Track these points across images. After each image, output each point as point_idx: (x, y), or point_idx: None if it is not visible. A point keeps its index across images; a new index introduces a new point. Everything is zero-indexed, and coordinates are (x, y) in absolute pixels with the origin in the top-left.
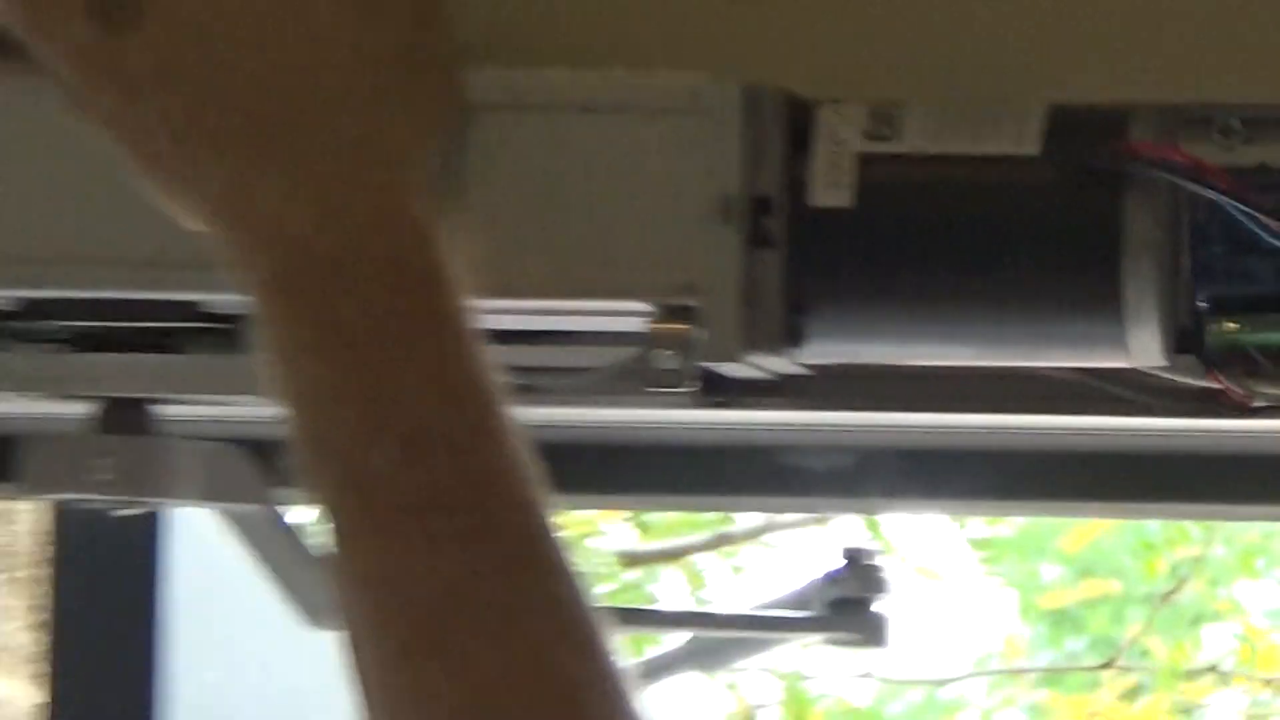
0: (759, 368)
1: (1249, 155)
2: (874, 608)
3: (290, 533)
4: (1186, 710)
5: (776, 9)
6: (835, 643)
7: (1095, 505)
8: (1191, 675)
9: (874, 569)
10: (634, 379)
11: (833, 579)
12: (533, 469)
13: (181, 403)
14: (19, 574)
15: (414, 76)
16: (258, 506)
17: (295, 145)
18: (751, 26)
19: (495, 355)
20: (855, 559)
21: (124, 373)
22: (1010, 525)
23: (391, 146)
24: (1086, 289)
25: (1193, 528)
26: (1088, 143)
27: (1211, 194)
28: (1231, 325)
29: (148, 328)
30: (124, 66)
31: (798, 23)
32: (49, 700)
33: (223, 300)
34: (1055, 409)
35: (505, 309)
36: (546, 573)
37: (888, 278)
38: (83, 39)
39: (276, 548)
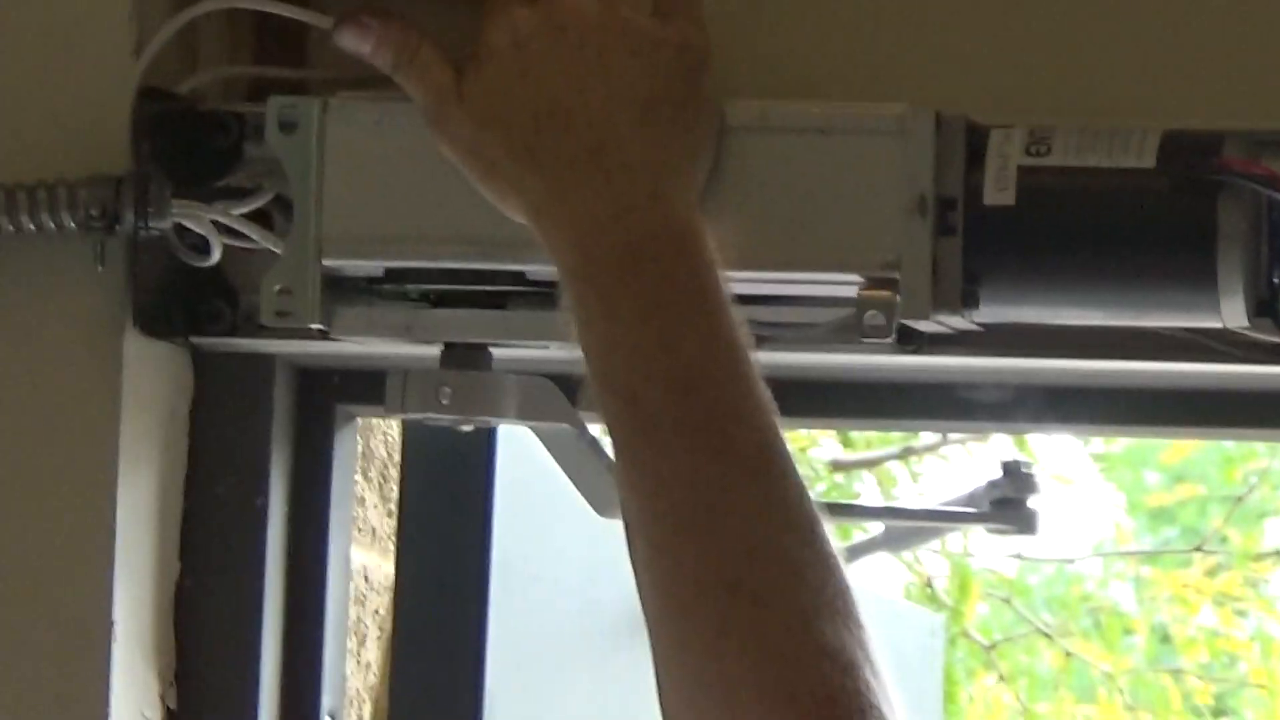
0: (942, 324)
1: None
2: (1026, 505)
3: (586, 445)
4: (1255, 584)
5: (961, 59)
6: (995, 531)
7: (1190, 430)
8: (1259, 558)
9: (1025, 476)
10: (850, 331)
11: (993, 483)
12: (768, 399)
13: (507, 346)
14: (377, 474)
15: (687, 110)
16: (562, 425)
17: (599, 164)
18: (942, 70)
19: (745, 314)
20: (1010, 468)
21: (463, 324)
22: (1121, 444)
23: (670, 163)
24: (1190, 268)
25: (1261, 447)
26: (1191, 158)
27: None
28: None
29: (482, 290)
30: (470, 101)
31: (975, 66)
32: (397, 571)
33: (539, 270)
34: (1164, 357)
35: (755, 279)
36: (777, 478)
37: (1040, 259)
38: (440, 81)
39: (576, 457)
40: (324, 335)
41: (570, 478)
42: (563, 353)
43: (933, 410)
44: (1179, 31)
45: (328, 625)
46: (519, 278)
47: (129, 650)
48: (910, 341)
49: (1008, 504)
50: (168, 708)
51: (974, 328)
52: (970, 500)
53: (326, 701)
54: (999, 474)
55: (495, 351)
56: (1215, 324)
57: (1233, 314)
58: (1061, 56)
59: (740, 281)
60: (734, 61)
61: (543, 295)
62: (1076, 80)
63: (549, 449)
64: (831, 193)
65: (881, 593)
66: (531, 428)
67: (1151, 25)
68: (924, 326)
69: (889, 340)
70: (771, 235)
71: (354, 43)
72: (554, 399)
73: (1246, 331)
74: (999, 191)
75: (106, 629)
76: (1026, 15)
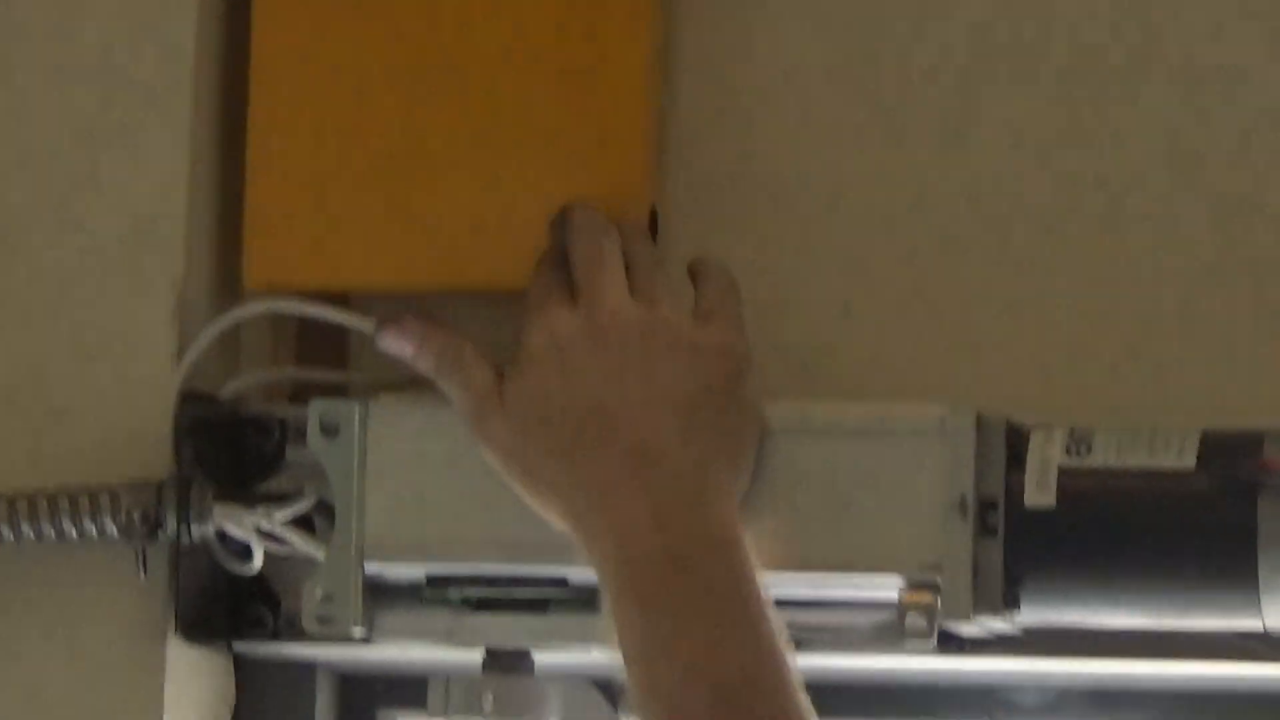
0: (984, 626)
1: None
2: None
3: None
4: None
5: (999, 358)
6: None
7: None
8: None
9: None
10: (892, 634)
11: None
12: (810, 709)
13: (549, 650)
14: None
15: (728, 414)
16: None
17: (640, 469)
18: (983, 373)
19: (786, 617)
20: None
21: (505, 629)
22: None
23: (711, 468)
24: (1231, 570)
25: None
26: (1232, 459)
27: None
28: None
29: (524, 595)
30: (510, 405)
31: (1015, 370)
32: None
33: (581, 574)
34: (1208, 657)
35: (795, 580)
36: None
37: (1081, 561)
38: (481, 384)
39: None
40: (365, 641)
41: None
42: (606, 657)
43: (974, 712)
44: (1219, 329)
45: None
46: (561, 582)
47: None
48: (952, 644)
49: None
50: None
51: (1015, 631)
52: None
53: None
54: None
55: (537, 655)
56: (1257, 625)
57: (1274, 615)
58: (1101, 355)
59: (781, 584)
60: (769, 359)
61: (585, 599)
62: (1116, 379)
63: None
64: (872, 494)
65: None
66: None
67: (1191, 323)
68: (965, 629)
69: (931, 643)
70: (812, 536)
71: (395, 346)
72: (597, 703)
73: None
74: (1040, 493)
75: None
76: (1067, 313)
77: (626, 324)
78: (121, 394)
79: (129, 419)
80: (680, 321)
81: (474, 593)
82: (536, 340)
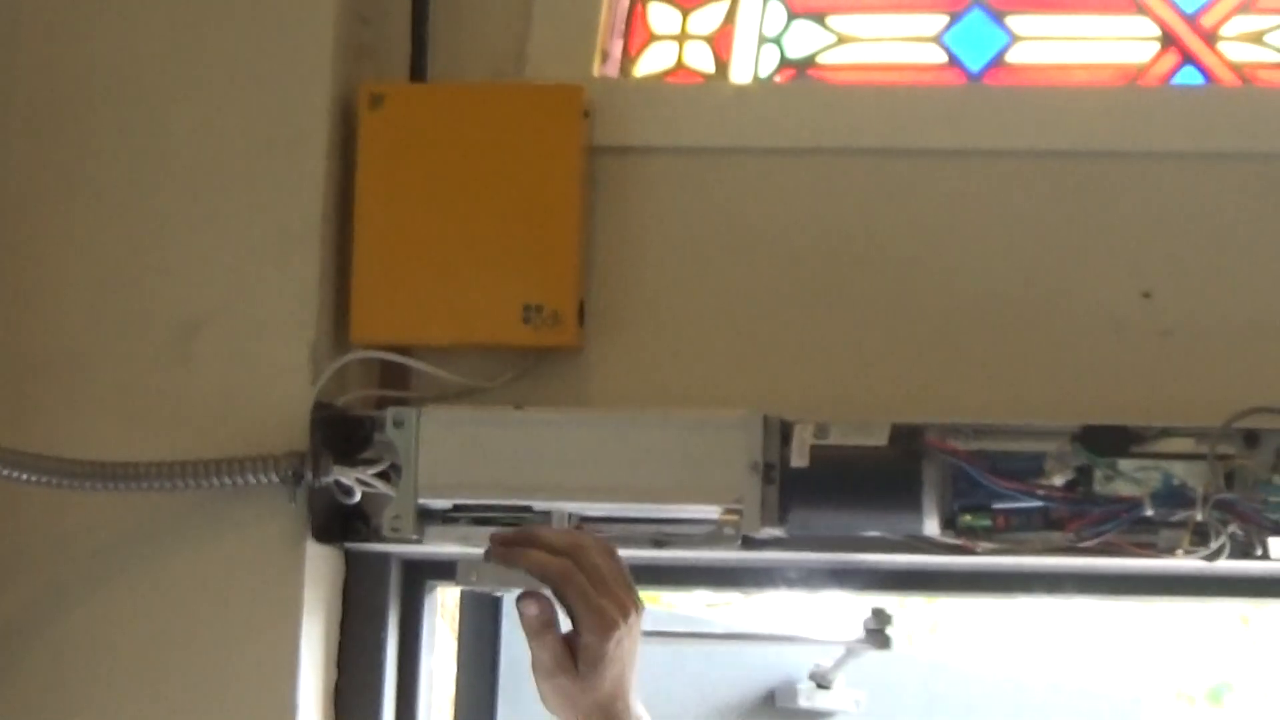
0: (767, 533)
1: (980, 445)
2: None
3: None
4: None
5: (778, 385)
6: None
7: (903, 591)
8: None
9: (886, 615)
10: (717, 537)
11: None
12: None
13: None
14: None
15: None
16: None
17: (615, 708)
18: (766, 391)
19: (663, 527)
20: (877, 610)
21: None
22: None
23: (627, 688)
24: (906, 503)
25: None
26: (909, 439)
27: (961, 463)
28: (967, 518)
29: (510, 516)
30: (576, 696)
31: (786, 388)
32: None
33: (540, 504)
34: (895, 550)
35: (665, 509)
36: None
37: (823, 498)
38: (559, 680)
39: None
40: (418, 542)
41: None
42: None
43: (762, 581)
44: (915, 359)
45: (420, 698)
46: (527, 509)
47: None
48: (750, 543)
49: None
50: None
51: (786, 536)
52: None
53: None
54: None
55: None
56: (920, 531)
57: (930, 527)
58: (844, 370)
59: (656, 510)
60: (613, 372)
61: (541, 518)
62: (846, 397)
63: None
64: (706, 459)
65: None
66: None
67: (907, 353)
68: (756, 534)
69: (737, 543)
70: (672, 482)
71: (528, 619)
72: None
73: (938, 537)
74: (799, 459)
75: (293, 708)
76: (818, 341)
77: (635, 625)
78: (284, 404)
79: (288, 417)
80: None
81: (478, 515)
82: (603, 641)
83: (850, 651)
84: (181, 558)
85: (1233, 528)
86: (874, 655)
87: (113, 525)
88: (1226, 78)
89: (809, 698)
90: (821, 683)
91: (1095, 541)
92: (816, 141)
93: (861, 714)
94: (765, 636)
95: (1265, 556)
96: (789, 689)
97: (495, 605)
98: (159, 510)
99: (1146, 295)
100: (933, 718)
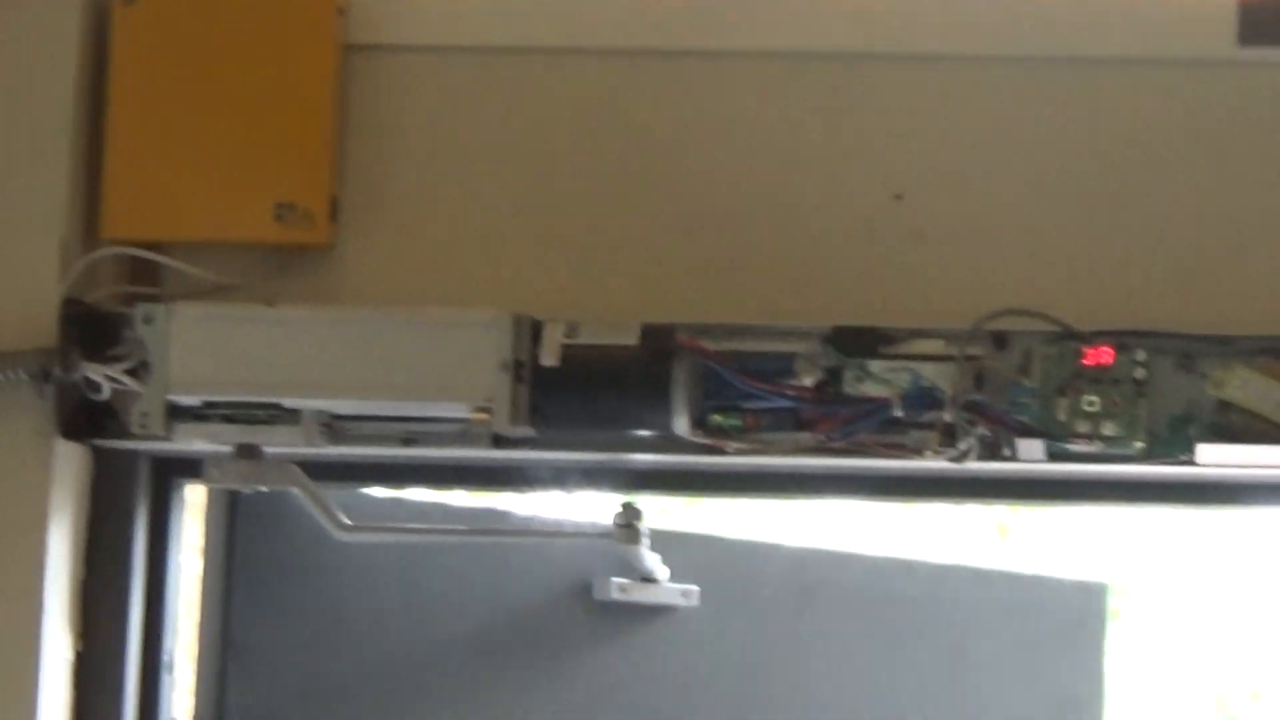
0: (518, 432)
1: (731, 346)
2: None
3: (313, 494)
4: None
5: (531, 285)
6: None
7: (658, 491)
8: None
9: (636, 510)
10: (467, 436)
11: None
12: None
13: (273, 447)
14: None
15: None
16: (294, 488)
17: None
18: (519, 290)
19: (413, 426)
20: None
21: (243, 432)
22: None
23: None
24: (656, 401)
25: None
26: (658, 339)
27: (711, 364)
28: (717, 417)
29: (255, 414)
30: None
31: (539, 288)
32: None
33: (288, 400)
34: (647, 450)
35: (417, 407)
36: None
37: (574, 397)
38: None
39: (309, 499)
40: (167, 439)
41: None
42: (309, 448)
43: (514, 481)
44: (668, 261)
45: (168, 595)
46: (277, 406)
47: (54, 619)
48: (502, 442)
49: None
50: (78, 652)
51: (537, 436)
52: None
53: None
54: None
55: (269, 449)
56: (671, 431)
57: (680, 426)
58: (597, 270)
59: (410, 408)
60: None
61: (287, 415)
62: (587, 289)
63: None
64: (459, 357)
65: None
66: (278, 489)
67: (660, 254)
68: (507, 433)
69: (488, 441)
70: (426, 379)
71: None
72: (293, 474)
73: (689, 437)
74: (549, 358)
75: (39, 606)
76: (571, 242)
77: None
78: (32, 300)
79: (36, 314)
80: None
81: (228, 413)
82: None
83: (632, 543)
84: None
85: (980, 429)
86: (707, 545)
87: None
88: None
89: (625, 591)
90: (646, 576)
91: (844, 442)
92: (569, 42)
93: (692, 607)
94: (517, 531)
95: (1014, 458)
96: (604, 583)
97: (236, 501)
98: None
99: (898, 197)
100: (773, 610)
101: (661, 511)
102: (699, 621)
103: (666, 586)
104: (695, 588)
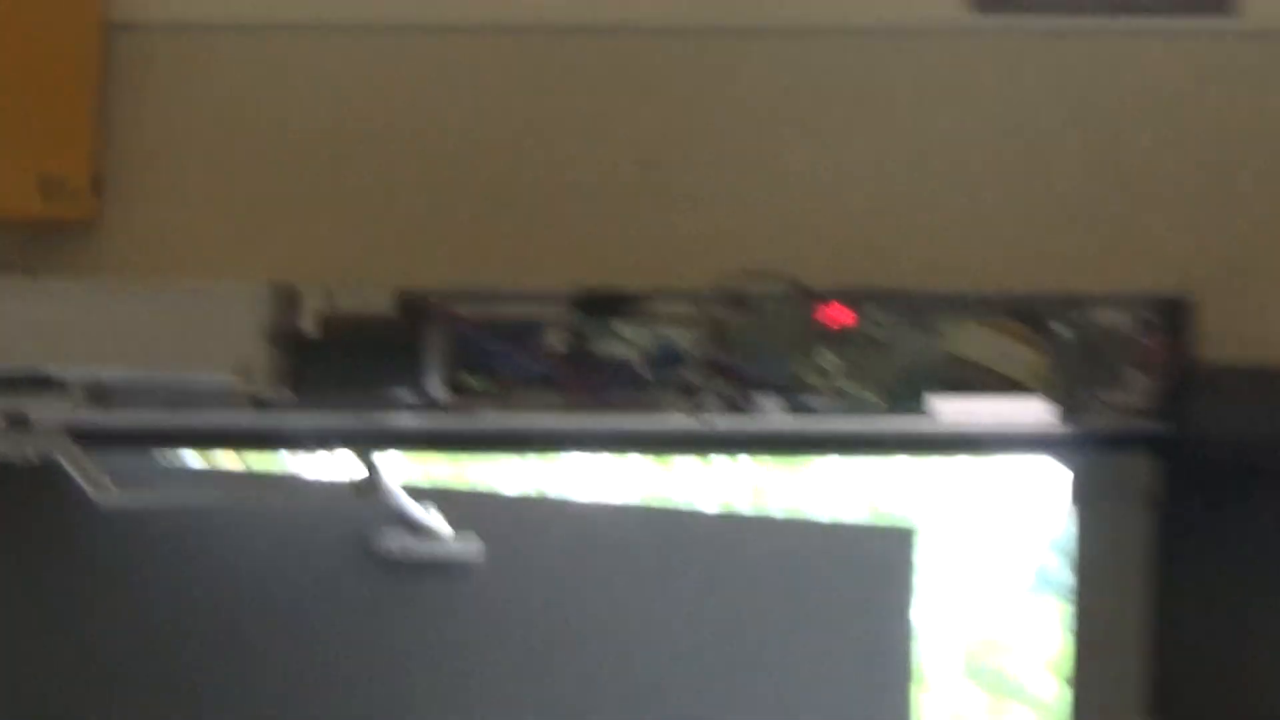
0: (280, 394)
1: (482, 310)
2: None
3: (75, 460)
4: None
5: (291, 255)
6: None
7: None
8: None
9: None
10: (228, 400)
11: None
12: None
13: (43, 414)
14: None
15: None
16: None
17: None
18: (280, 261)
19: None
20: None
21: (25, 401)
22: None
23: None
24: (411, 365)
25: None
26: (416, 305)
27: (465, 329)
28: (469, 380)
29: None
30: None
31: (300, 258)
32: None
33: (57, 373)
34: (406, 410)
35: (183, 377)
36: None
37: (332, 361)
38: None
39: (69, 459)
40: None
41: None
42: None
43: (281, 442)
44: (422, 228)
45: None
46: (45, 379)
47: None
48: (262, 405)
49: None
50: None
51: (297, 400)
52: None
53: None
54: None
55: (35, 415)
56: (425, 394)
57: (435, 389)
58: (355, 240)
59: (170, 378)
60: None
61: (57, 384)
62: (361, 257)
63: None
64: (218, 329)
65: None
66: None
67: (415, 222)
68: (273, 397)
69: (249, 405)
70: (186, 353)
71: None
72: (61, 443)
73: (442, 399)
74: (308, 326)
75: None
76: (330, 213)
77: None
78: None
79: None
80: None
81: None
82: None
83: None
84: None
85: (721, 386)
86: (492, 502)
87: None
88: None
89: (407, 549)
90: (421, 531)
91: (592, 401)
92: (321, 17)
93: (478, 564)
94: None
95: (758, 412)
96: (380, 536)
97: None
98: None
99: (645, 163)
100: (560, 565)
101: (451, 472)
102: (484, 577)
103: (449, 544)
104: (480, 545)
